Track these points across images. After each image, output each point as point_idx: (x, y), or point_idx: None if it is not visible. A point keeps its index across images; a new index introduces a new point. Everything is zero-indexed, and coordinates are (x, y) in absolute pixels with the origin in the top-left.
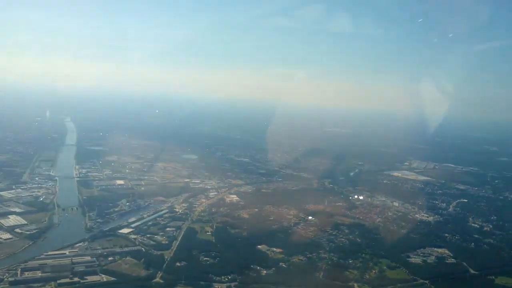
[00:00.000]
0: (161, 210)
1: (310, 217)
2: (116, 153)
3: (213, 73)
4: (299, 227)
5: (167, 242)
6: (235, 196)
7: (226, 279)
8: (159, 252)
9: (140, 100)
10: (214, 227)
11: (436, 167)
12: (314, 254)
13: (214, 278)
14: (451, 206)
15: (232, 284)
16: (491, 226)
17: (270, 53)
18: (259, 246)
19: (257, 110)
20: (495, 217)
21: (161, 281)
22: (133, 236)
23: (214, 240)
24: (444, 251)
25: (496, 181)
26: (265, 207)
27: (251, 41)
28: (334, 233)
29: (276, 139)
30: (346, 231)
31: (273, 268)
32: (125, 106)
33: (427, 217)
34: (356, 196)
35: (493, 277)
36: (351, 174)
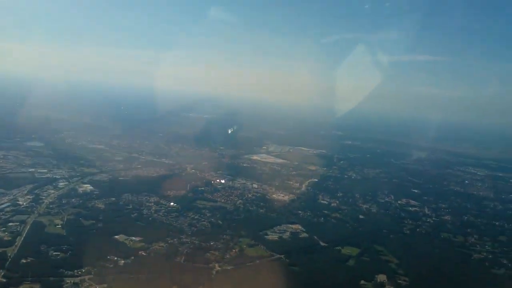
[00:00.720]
0: (1, 204)
1: (171, 203)
2: None
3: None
4: (160, 214)
5: (10, 238)
6: (88, 185)
7: (80, 272)
8: (0, 250)
9: None
10: (65, 219)
11: (291, 150)
12: (175, 239)
13: (66, 273)
14: (303, 186)
15: (87, 277)
16: (337, 202)
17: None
18: (116, 236)
19: (108, 93)
20: (341, 194)
21: (4, 280)
22: None
23: (65, 233)
24: (297, 227)
25: (342, 162)
26: (123, 196)
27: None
28: (196, 217)
29: (135, 124)
30: (208, 214)
31: (132, 257)
32: None
33: (283, 196)
34: (217, 180)
35: (340, 248)
36: (213, 159)
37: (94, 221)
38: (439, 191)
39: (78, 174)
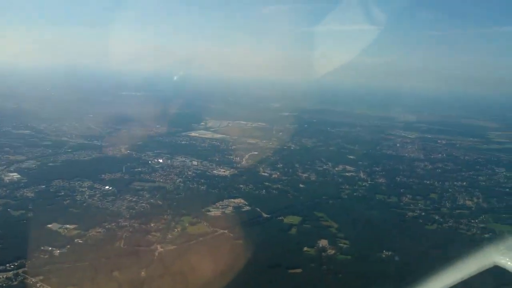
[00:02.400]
0: None
1: (107, 187)
2: None
3: None
4: (95, 198)
5: None
6: (15, 174)
7: (12, 266)
8: None
9: None
10: None
11: (230, 124)
12: (113, 224)
13: None
14: (244, 159)
15: (20, 270)
16: (278, 173)
17: None
18: (49, 225)
19: (35, 75)
20: (281, 165)
21: None
22: None
23: None
24: (240, 200)
25: (280, 133)
26: (54, 182)
27: None
28: (133, 199)
29: (63, 106)
30: (147, 195)
31: (68, 246)
32: None
33: (224, 171)
34: (155, 160)
35: (283, 218)
36: (149, 138)
37: (23, 211)
38: (373, 156)
39: (3, 162)
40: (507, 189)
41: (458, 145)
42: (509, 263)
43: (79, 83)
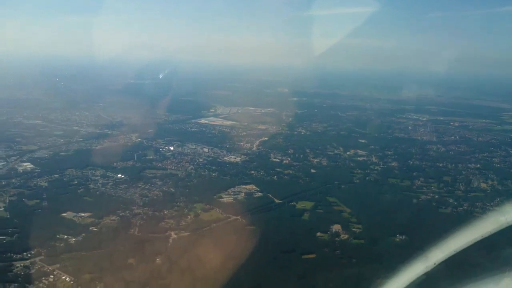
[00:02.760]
0: None
1: (119, 175)
2: None
3: None
4: (108, 187)
5: None
6: (29, 163)
7: (29, 254)
8: None
9: None
10: (7, 201)
11: (239, 111)
12: (127, 212)
13: (15, 256)
14: (254, 145)
15: (37, 258)
16: (289, 159)
17: None
18: (64, 214)
19: (42, 65)
20: (292, 151)
21: None
22: None
23: (8, 216)
24: (252, 187)
25: (290, 118)
26: (67, 172)
27: None
28: (146, 187)
29: (71, 96)
30: (159, 183)
31: (83, 234)
32: None
33: (235, 158)
34: (166, 147)
35: (295, 203)
36: (159, 126)
37: (38, 201)
38: (385, 139)
39: (16, 152)
40: None
41: (470, 126)
42: None
43: (83, 72)
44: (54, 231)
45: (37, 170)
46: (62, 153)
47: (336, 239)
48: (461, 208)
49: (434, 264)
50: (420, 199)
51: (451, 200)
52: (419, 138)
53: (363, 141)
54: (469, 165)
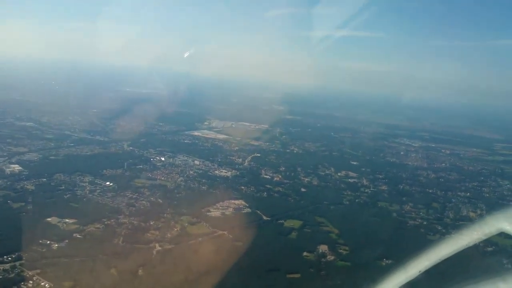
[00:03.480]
0: None
1: (107, 183)
2: None
3: None
4: (95, 194)
5: None
6: (17, 165)
7: (10, 258)
8: None
9: None
10: None
11: (233, 125)
12: (112, 220)
13: None
14: (246, 161)
15: (18, 263)
16: (280, 176)
17: None
18: (48, 219)
19: (40, 68)
20: (283, 168)
21: None
22: None
23: None
24: (241, 202)
25: (284, 136)
26: (55, 176)
27: None
28: (134, 196)
29: (66, 100)
30: (147, 193)
31: (66, 241)
32: None
33: (226, 172)
34: (157, 158)
35: (283, 221)
36: (152, 135)
37: (23, 204)
38: (376, 162)
39: (5, 154)
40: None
41: (462, 155)
42: None
43: (80, 77)
44: (37, 235)
45: (25, 173)
46: (52, 157)
47: (322, 259)
48: (449, 236)
49: (419, 272)
50: (408, 224)
51: (439, 227)
52: (410, 163)
53: (355, 163)
54: (458, 193)
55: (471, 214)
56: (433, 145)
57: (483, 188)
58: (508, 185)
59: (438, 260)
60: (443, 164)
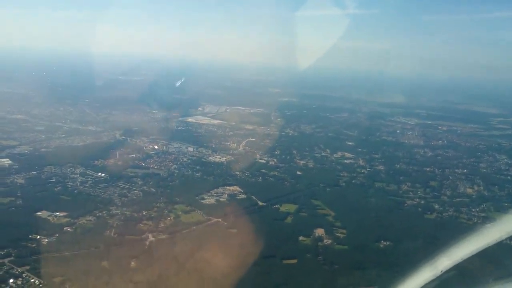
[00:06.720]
0: None
1: (99, 174)
2: None
3: None
4: (86, 185)
5: None
6: (7, 159)
7: None
8: None
9: None
10: None
11: (227, 110)
12: (104, 212)
13: None
14: (241, 146)
15: (6, 260)
16: (275, 160)
17: None
18: (38, 213)
19: (30, 59)
20: (278, 152)
21: None
22: None
23: None
24: (235, 188)
25: (279, 119)
26: (45, 169)
27: None
28: (126, 186)
29: (57, 91)
30: (140, 182)
31: (57, 235)
32: None
33: (220, 158)
34: (150, 146)
35: (279, 206)
36: (145, 123)
37: (13, 198)
38: (373, 142)
39: None
40: (509, 177)
41: (458, 131)
42: None
43: (73, 67)
44: (27, 230)
45: (15, 167)
46: (43, 149)
47: (319, 244)
48: (446, 214)
49: (441, 271)
50: (405, 204)
51: (436, 206)
52: (406, 141)
53: (350, 143)
54: (456, 170)
55: (468, 190)
56: (430, 122)
57: (480, 164)
58: (505, 160)
59: (461, 259)
60: (440, 142)
